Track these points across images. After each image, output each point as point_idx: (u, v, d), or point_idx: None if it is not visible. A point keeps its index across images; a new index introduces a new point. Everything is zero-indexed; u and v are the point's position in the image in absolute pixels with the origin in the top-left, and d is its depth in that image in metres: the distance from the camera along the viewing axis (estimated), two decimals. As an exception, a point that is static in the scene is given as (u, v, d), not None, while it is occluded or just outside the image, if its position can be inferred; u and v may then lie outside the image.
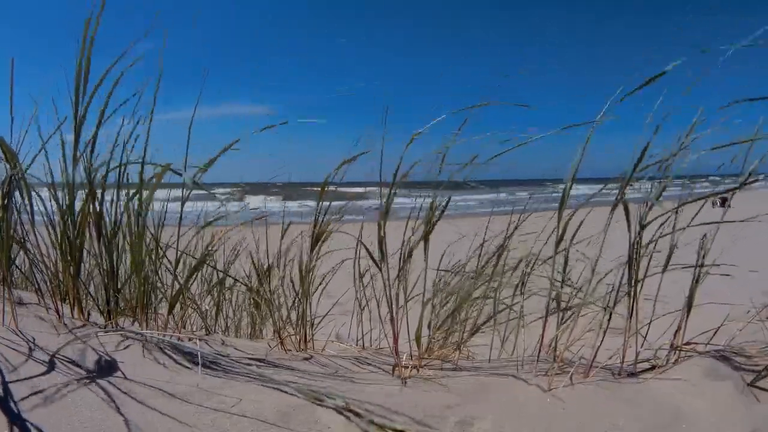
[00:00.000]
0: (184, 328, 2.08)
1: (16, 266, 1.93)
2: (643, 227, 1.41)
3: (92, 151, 1.54)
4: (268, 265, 2.08)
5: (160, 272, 1.74)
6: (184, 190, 1.53)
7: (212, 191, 1.51)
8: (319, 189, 1.65)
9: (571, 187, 1.42)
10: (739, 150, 1.31)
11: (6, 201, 1.45)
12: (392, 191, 1.49)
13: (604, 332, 1.45)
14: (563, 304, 1.57)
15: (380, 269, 1.55)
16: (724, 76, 1.32)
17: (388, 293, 1.54)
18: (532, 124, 1.44)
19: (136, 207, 1.59)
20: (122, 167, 1.58)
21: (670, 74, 1.28)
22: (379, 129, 1.43)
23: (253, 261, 2.15)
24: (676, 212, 1.43)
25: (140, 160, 1.53)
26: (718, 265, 1.50)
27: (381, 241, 1.53)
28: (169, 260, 1.77)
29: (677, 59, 1.25)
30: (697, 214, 1.44)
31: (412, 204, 1.62)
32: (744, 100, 1.26)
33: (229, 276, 2.32)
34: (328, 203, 1.73)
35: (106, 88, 1.49)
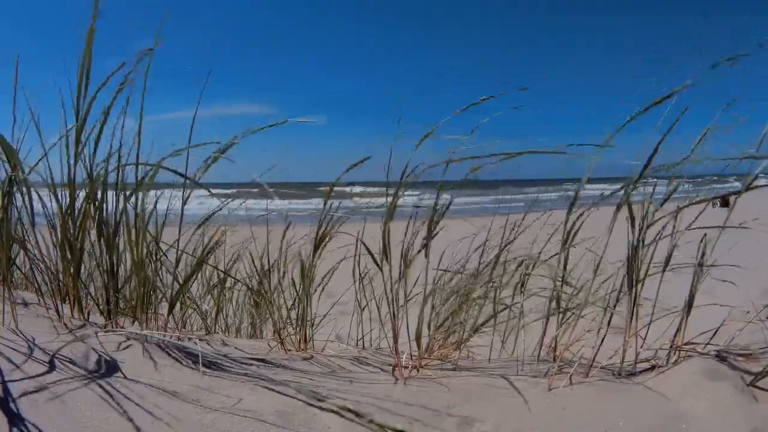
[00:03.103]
0: (185, 327, 2.08)
1: (16, 266, 1.93)
2: (648, 226, 1.41)
3: (94, 152, 1.55)
4: (269, 265, 2.08)
5: (160, 272, 1.74)
6: (185, 190, 1.54)
7: (213, 191, 1.51)
8: (323, 189, 1.66)
9: (578, 196, 1.43)
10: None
11: (6, 201, 1.45)
12: (397, 191, 1.49)
13: (605, 332, 1.45)
14: (563, 305, 1.57)
15: (381, 270, 1.55)
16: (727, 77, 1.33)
17: (388, 293, 1.54)
18: (536, 123, 1.44)
19: (135, 206, 1.59)
20: (122, 167, 1.58)
21: (678, 79, 1.30)
22: (387, 131, 1.44)
23: (254, 261, 2.16)
24: (676, 216, 1.43)
25: (139, 161, 1.53)
26: (717, 265, 1.50)
27: (384, 242, 1.54)
28: (169, 260, 1.77)
29: (686, 81, 1.27)
30: (698, 216, 1.44)
31: (417, 204, 1.62)
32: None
33: (230, 276, 2.32)
34: (331, 203, 1.73)
35: (106, 90, 1.49)
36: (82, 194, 1.55)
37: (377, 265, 1.56)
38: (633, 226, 1.42)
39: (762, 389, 1.30)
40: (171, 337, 1.56)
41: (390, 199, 1.51)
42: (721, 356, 1.42)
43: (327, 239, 1.79)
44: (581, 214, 1.49)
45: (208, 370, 1.35)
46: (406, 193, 1.54)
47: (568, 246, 1.50)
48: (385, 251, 1.53)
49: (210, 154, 1.50)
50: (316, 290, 1.94)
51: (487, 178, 1.51)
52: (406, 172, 1.46)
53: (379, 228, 1.53)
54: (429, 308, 1.71)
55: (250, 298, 2.33)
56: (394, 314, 1.55)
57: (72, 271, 1.58)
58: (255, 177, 1.53)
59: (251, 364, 1.51)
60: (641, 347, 1.47)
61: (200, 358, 1.38)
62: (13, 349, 1.21)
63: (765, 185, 1.36)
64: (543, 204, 2.02)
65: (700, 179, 1.52)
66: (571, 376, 1.40)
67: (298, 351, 1.84)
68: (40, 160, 1.55)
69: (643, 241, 1.42)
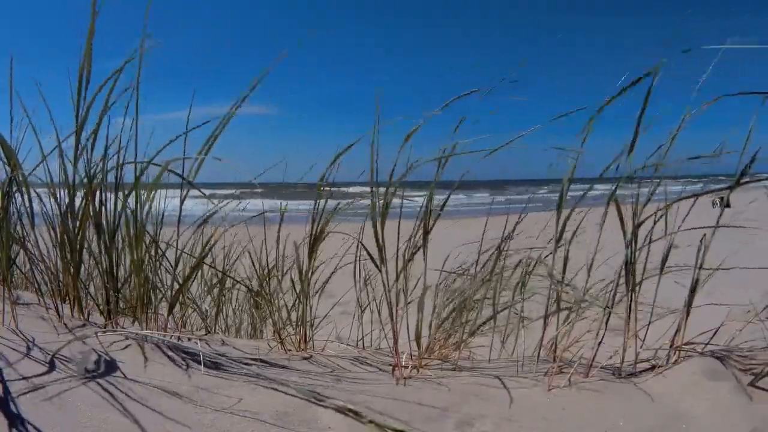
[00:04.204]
0: (185, 327, 2.08)
1: (17, 266, 1.93)
2: (637, 226, 1.41)
3: (92, 151, 1.55)
4: (268, 266, 2.08)
5: (159, 272, 1.74)
6: (182, 188, 1.54)
7: (211, 192, 1.51)
8: (324, 189, 1.66)
9: (567, 189, 1.43)
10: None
11: (6, 201, 1.45)
12: (387, 190, 1.50)
13: (604, 332, 1.45)
14: (563, 305, 1.57)
15: (380, 270, 1.55)
16: (710, 76, 1.34)
17: (387, 293, 1.54)
18: (536, 124, 1.46)
19: (136, 206, 1.59)
20: (120, 167, 1.58)
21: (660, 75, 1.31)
22: (384, 129, 1.45)
23: (253, 262, 2.15)
24: (666, 212, 1.43)
25: (139, 161, 1.53)
26: (717, 269, 1.49)
27: (378, 241, 1.53)
28: (168, 260, 1.77)
29: (662, 60, 1.28)
30: (689, 212, 1.44)
31: (413, 204, 1.62)
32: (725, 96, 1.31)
33: (230, 276, 2.32)
34: (327, 202, 1.73)
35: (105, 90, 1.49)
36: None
37: (376, 265, 1.56)
38: (622, 223, 1.42)
39: (762, 389, 1.30)
40: (171, 337, 1.56)
41: (387, 199, 1.51)
42: (720, 356, 1.42)
43: (324, 236, 1.79)
44: (569, 214, 1.50)
45: (208, 370, 1.35)
46: (412, 194, 1.54)
47: (561, 245, 1.50)
48: (380, 251, 1.53)
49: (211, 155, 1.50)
50: (316, 293, 1.94)
51: (493, 178, 1.53)
52: (396, 172, 1.47)
53: (384, 228, 1.53)
54: (430, 308, 1.71)
55: (250, 299, 2.32)
56: (392, 314, 1.55)
57: (72, 271, 1.58)
58: (255, 177, 1.53)
59: (251, 364, 1.51)
60: (641, 347, 1.47)
61: (201, 358, 1.38)
62: (13, 349, 1.21)
63: (752, 181, 1.35)
64: (549, 204, 2.02)
65: (705, 179, 1.52)
66: (570, 376, 1.40)
67: (298, 351, 1.84)
68: (39, 164, 1.55)
69: (635, 240, 1.42)
